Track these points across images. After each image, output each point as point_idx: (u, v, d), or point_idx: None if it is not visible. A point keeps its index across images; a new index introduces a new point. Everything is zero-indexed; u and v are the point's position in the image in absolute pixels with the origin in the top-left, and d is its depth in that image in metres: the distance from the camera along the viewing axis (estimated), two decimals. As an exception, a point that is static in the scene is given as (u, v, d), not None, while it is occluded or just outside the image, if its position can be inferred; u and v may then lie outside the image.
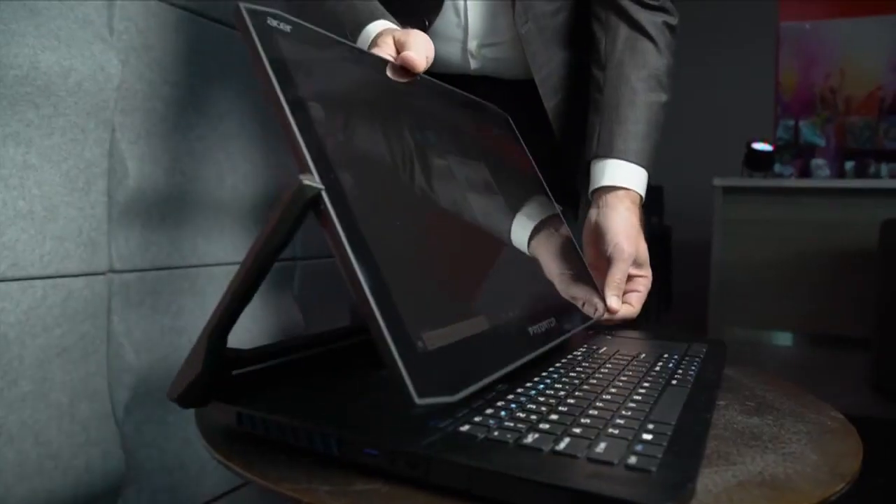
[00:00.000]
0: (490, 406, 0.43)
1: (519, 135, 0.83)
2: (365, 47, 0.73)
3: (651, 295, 0.81)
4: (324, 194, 0.35)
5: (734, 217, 3.91)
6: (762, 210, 3.91)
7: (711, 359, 0.65)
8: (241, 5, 0.41)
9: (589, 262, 0.82)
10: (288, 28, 0.44)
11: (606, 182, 0.82)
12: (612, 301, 0.75)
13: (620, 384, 0.52)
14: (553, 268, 0.70)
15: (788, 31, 4.91)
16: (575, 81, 0.95)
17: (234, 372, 0.45)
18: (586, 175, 0.87)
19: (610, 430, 0.40)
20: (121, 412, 1.00)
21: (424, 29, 0.89)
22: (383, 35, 0.68)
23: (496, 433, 0.38)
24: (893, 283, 2.80)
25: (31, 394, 0.88)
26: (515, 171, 0.77)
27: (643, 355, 0.63)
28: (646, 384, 0.52)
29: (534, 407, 0.44)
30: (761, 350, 3.83)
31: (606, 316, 0.75)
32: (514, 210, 0.68)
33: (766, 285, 3.90)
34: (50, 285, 0.89)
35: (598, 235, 0.80)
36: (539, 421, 0.41)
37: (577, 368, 0.56)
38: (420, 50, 0.62)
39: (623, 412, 0.44)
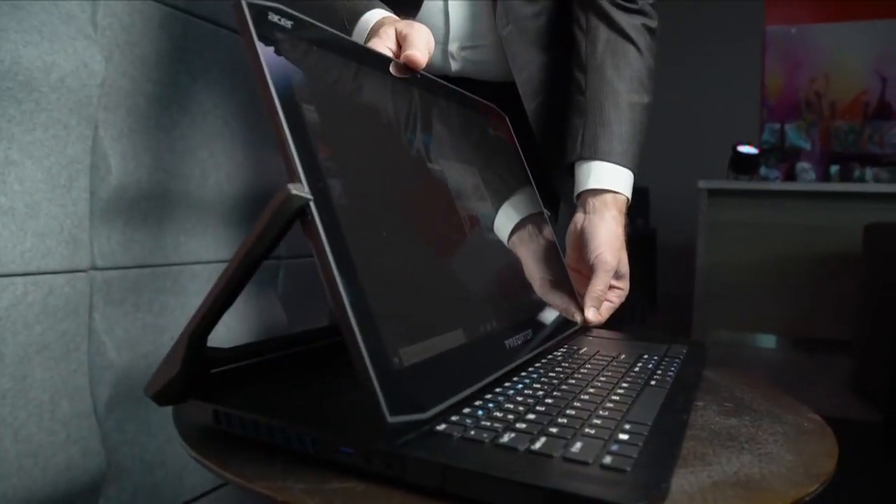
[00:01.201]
0: (467, 405, 0.43)
1: (514, 135, 0.83)
2: (363, 37, 0.72)
3: (636, 297, 0.82)
4: (311, 205, 0.35)
5: (719, 220, 3.93)
6: (747, 213, 3.93)
7: (691, 360, 0.65)
8: (242, 2, 0.39)
9: (569, 264, 0.82)
10: (289, 24, 0.42)
11: (592, 185, 0.82)
12: (590, 313, 0.75)
13: (599, 384, 0.52)
14: (533, 270, 0.70)
15: (774, 35, 4.94)
16: (555, 84, 0.96)
17: (213, 370, 0.45)
18: (570, 177, 0.87)
19: (586, 429, 0.40)
20: (102, 410, 1.00)
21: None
22: (385, 26, 0.66)
23: (472, 432, 0.38)
24: (876, 287, 2.82)
25: (11, 391, 0.87)
26: (508, 176, 0.77)
27: (623, 356, 0.64)
28: (624, 385, 0.52)
29: (511, 406, 0.44)
30: (745, 352, 3.85)
31: (581, 325, 0.75)
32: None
33: (751, 288, 3.93)
34: (31, 282, 0.88)
35: (583, 242, 0.80)
36: (516, 420, 0.41)
37: (557, 369, 0.56)
38: (422, 46, 0.62)
39: (600, 412, 0.44)
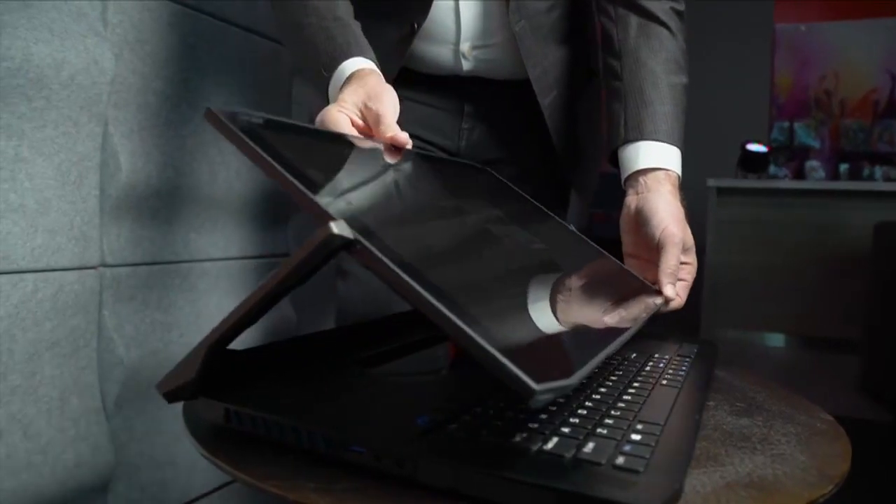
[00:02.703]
0: (479, 405, 0.43)
1: (505, 180, 0.83)
2: (337, 87, 0.73)
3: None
4: (360, 238, 0.34)
5: (728, 218, 3.91)
6: (756, 211, 3.91)
7: (702, 360, 0.65)
8: (212, 109, 0.41)
9: (627, 251, 0.80)
10: (261, 120, 0.45)
11: (643, 164, 0.79)
12: (668, 289, 0.71)
13: (610, 384, 0.52)
14: (598, 277, 0.69)
15: (784, 33, 4.92)
16: (569, 78, 0.95)
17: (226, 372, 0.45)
18: (614, 165, 0.85)
19: (598, 430, 0.40)
20: (111, 407, 1.00)
21: (413, 32, 0.88)
22: (345, 101, 0.67)
23: (484, 433, 0.38)
24: (885, 286, 2.81)
25: (21, 388, 0.87)
26: (520, 209, 0.77)
27: (634, 355, 0.63)
28: (636, 384, 0.52)
29: (522, 406, 0.43)
30: (753, 351, 3.84)
31: (663, 307, 0.71)
32: (537, 239, 0.70)
33: (759, 286, 3.91)
34: (41, 279, 0.89)
35: (641, 221, 0.77)
36: (527, 421, 0.41)
37: (568, 368, 0.56)
38: (394, 121, 0.64)
39: (612, 412, 0.44)
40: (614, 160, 0.85)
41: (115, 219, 1.00)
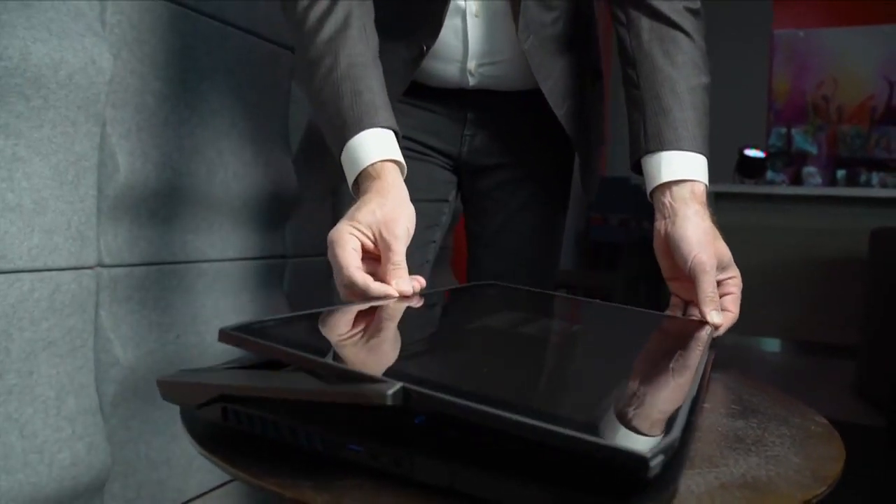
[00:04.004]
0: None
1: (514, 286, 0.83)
2: (353, 165, 0.72)
3: (641, 300, 0.79)
4: (408, 388, 0.35)
5: (725, 223, 3.84)
6: (753, 216, 3.93)
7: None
8: (224, 329, 0.42)
9: (667, 275, 0.79)
10: (272, 323, 0.46)
11: (665, 178, 0.77)
12: (713, 317, 0.70)
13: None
14: (645, 335, 0.69)
15: (782, 39, 4.94)
16: (580, 87, 0.95)
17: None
18: (639, 174, 0.83)
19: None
20: (107, 407, 1.00)
21: (423, 54, 0.88)
22: (359, 222, 0.67)
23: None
24: (882, 292, 2.81)
25: (17, 387, 0.87)
26: (539, 304, 0.78)
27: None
28: (632, 386, 0.52)
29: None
30: (749, 355, 3.84)
31: (716, 334, 0.70)
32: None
33: (756, 291, 3.90)
34: (38, 279, 0.89)
35: (672, 249, 0.75)
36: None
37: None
38: (402, 257, 0.65)
39: (608, 413, 0.44)
40: (638, 168, 0.82)
41: (112, 219, 1.00)
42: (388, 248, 0.66)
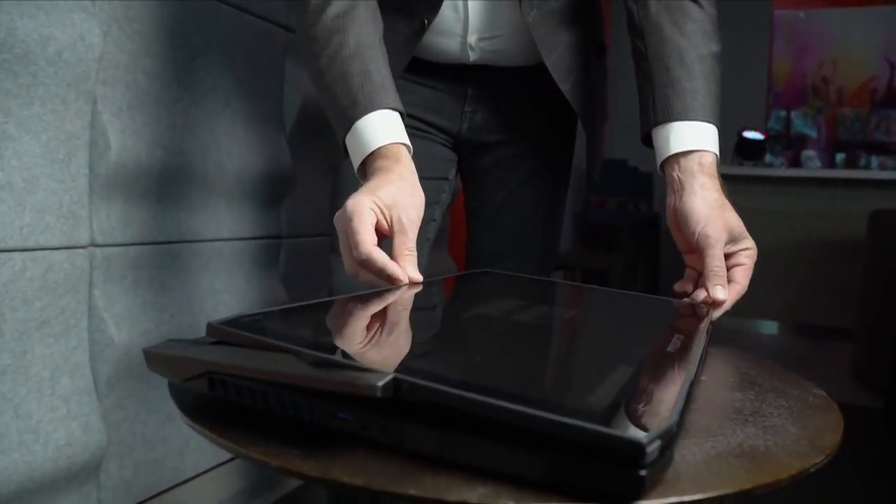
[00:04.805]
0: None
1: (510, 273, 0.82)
2: (359, 149, 0.73)
3: (639, 282, 0.77)
4: (401, 378, 0.34)
5: (723, 205, 3.90)
6: (751, 199, 3.91)
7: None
8: (214, 323, 0.42)
9: (682, 249, 0.77)
10: (259, 316, 0.46)
11: (674, 149, 0.76)
12: (717, 292, 0.69)
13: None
14: (642, 318, 0.68)
15: (783, 20, 4.90)
16: (585, 61, 0.94)
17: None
18: (650, 148, 0.81)
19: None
20: (102, 387, 0.99)
21: (423, 28, 0.87)
22: (379, 197, 0.66)
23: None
24: (879, 275, 2.81)
25: (11, 367, 0.87)
26: (535, 290, 0.78)
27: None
28: (628, 359, 0.52)
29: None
30: (746, 338, 3.85)
31: (717, 313, 0.69)
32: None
33: (754, 274, 3.91)
34: (29, 258, 0.88)
35: (681, 223, 0.74)
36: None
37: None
38: (412, 244, 0.66)
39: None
40: (649, 142, 0.81)
41: (104, 198, 0.99)
42: (404, 232, 0.66)
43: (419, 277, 0.65)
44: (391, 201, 0.66)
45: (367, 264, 0.63)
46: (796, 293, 3.84)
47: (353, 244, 0.64)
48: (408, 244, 0.66)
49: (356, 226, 0.63)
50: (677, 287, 0.75)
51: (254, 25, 1.27)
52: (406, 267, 0.64)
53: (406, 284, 0.63)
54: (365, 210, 0.64)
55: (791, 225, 3.85)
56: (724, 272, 0.70)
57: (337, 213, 0.66)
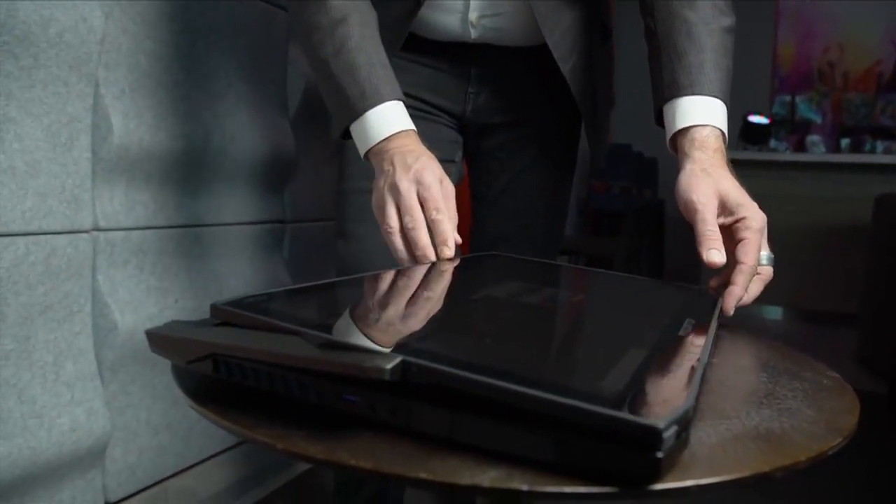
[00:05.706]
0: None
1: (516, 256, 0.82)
2: (367, 136, 0.75)
3: (644, 267, 0.75)
4: (405, 360, 0.33)
5: (728, 190, 3.88)
6: (757, 184, 3.83)
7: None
8: (218, 304, 0.41)
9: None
10: (264, 297, 0.45)
11: (679, 124, 0.73)
12: (712, 255, 0.63)
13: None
14: (651, 303, 0.67)
15: (788, 4, 4.86)
16: (587, 41, 0.93)
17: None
18: (661, 124, 0.79)
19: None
20: (106, 372, 0.99)
21: (418, 5, 0.86)
22: (404, 175, 0.70)
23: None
24: (884, 259, 2.79)
25: (14, 352, 0.86)
26: (543, 274, 0.77)
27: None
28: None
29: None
30: (750, 323, 3.83)
31: (732, 302, 0.65)
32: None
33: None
34: (32, 242, 0.87)
35: (677, 202, 0.71)
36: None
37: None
38: (451, 233, 0.69)
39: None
40: (661, 120, 0.79)
41: (107, 182, 0.98)
42: (435, 222, 0.69)
43: (450, 255, 0.68)
44: (440, 173, 0.71)
45: (435, 225, 0.68)
46: (801, 278, 3.83)
47: (433, 205, 0.68)
48: (451, 215, 0.70)
49: (434, 191, 0.69)
50: (712, 283, 0.73)
51: (256, 8, 1.25)
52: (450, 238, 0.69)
53: (423, 265, 0.65)
54: (436, 169, 0.70)
55: (796, 210, 3.82)
56: (716, 235, 0.65)
57: (415, 166, 0.70)
